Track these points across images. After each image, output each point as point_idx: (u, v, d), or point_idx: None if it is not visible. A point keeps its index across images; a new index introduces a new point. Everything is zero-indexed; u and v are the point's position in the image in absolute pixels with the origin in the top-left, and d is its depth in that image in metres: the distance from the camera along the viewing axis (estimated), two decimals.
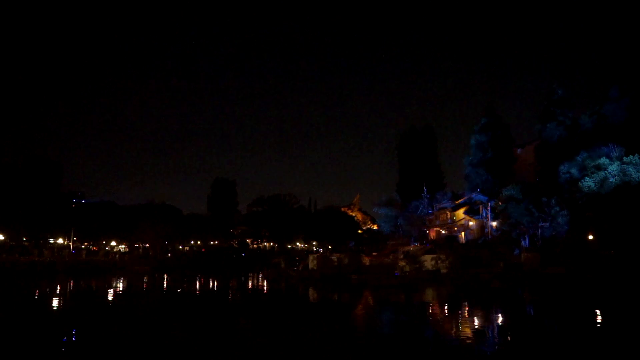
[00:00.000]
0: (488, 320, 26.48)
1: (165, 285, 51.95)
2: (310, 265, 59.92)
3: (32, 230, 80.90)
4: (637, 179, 48.58)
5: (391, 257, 56.98)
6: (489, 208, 59.53)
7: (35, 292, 41.20)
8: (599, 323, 24.43)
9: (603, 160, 52.35)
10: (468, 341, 19.82)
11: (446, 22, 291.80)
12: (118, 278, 57.00)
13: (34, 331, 22.09)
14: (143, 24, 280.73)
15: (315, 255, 66.15)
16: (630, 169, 49.45)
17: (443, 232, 70.20)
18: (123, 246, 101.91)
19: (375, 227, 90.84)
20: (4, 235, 79.19)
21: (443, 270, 48.65)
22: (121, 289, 46.81)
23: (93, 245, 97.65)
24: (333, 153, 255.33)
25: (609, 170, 50.76)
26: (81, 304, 33.79)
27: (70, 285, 48.57)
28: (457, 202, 73.57)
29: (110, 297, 38.78)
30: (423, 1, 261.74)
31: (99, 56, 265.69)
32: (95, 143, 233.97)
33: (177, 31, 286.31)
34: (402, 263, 52.25)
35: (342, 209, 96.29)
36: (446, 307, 32.45)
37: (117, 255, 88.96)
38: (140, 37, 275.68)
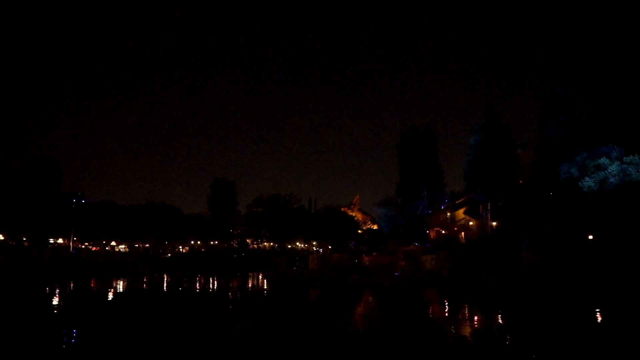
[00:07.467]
0: (488, 320, 26.48)
1: (165, 285, 51.96)
2: (310, 265, 59.89)
3: (32, 230, 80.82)
4: (637, 179, 48.46)
5: (391, 257, 56.94)
6: (489, 208, 59.41)
7: (36, 293, 41.18)
8: (599, 322, 24.44)
9: (603, 160, 52.24)
10: (468, 341, 19.81)
11: (446, 22, 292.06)
12: (118, 278, 57.01)
13: (35, 331, 22.08)
14: (142, 24, 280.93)
15: (315, 255, 66.11)
16: (630, 169, 49.36)
17: (443, 232, 70.07)
18: (123, 246, 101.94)
19: (375, 227, 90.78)
20: (4, 236, 79.14)
21: (443, 270, 48.58)
22: (121, 289, 46.83)
23: (93, 245, 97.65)
24: (333, 153, 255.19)
25: (609, 170, 50.65)
26: (81, 304, 33.81)
27: (70, 285, 48.56)
28: (457, 202, 73.42)
29: (110, 297, 38.80)
30: (423, 1, 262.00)
31: (99, 56, 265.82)
32: (95, 143, 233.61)
33: (178, 31, 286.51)
34: (402, 263, 52.22)
35: (342, 209, 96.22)
36: (446, 307, 32.45)
37: (117, 255, 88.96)
38: (140, 37, 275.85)
